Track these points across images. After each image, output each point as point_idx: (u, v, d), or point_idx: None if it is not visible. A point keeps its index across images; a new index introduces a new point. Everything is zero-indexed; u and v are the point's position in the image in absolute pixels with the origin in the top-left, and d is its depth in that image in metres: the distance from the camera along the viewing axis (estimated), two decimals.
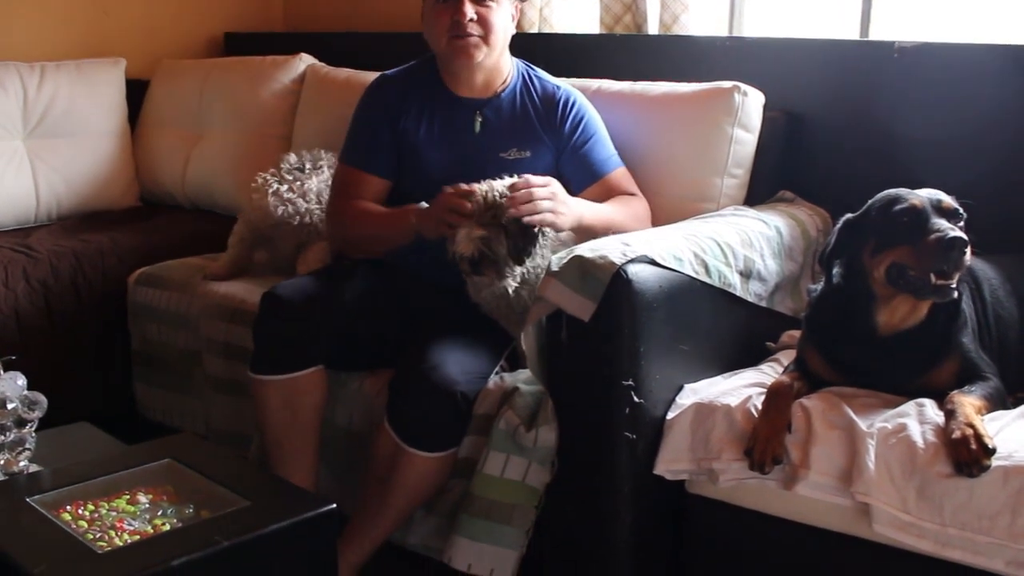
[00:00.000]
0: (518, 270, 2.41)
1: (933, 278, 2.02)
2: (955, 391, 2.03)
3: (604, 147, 2.75)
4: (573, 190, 2.66)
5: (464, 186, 2.41)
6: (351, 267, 2.72)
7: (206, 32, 4.64)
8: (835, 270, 2.20)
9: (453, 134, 2.70)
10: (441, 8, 2.62)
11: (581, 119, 2.73)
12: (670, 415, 2.22)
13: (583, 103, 2.76)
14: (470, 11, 2.59)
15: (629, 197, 2.72)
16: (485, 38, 2.62)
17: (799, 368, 2.25)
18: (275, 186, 3.19)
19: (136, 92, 4.21)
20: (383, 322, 2.61)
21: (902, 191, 2.12)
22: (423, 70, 2.77)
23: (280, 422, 2.50)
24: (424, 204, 2.50)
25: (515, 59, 2.79)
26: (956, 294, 2.05)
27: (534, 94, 2.75)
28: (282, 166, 3.26)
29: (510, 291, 2.43)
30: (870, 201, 2.17)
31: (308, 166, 3.25)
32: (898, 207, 2.08)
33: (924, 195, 2.09)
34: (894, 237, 2.07)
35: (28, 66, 3.90)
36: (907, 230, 2.06)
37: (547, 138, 2.71)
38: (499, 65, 2.72)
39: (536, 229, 2.40)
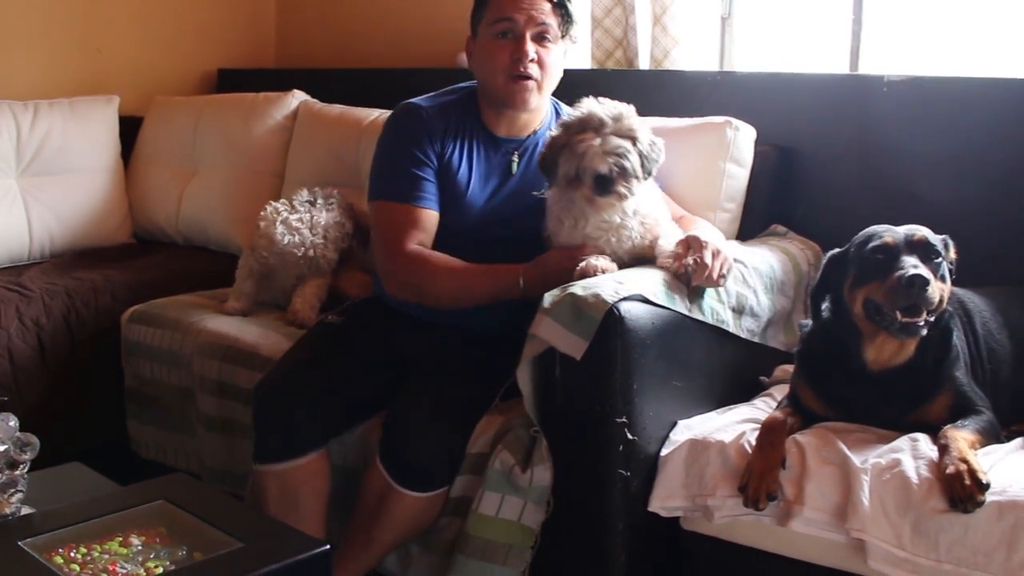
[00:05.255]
0: (638, 188, 2.38)
1: (899, 315, 2.04)
2: (948, 426, 2.03)
3: None
4: None
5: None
6: (341, 326, 2.70)
7: (199, 69, 4.67)
8: (824, 305, 2.21)
9: (491, 173, 2.65)
10: (501, 44, 2.55)
11: None
12: (664, 452, 2.21)
13: None
14: (532, 50, 2.54)
15: (694, 218, 2.70)
16: (540, 83, 2.57)
17: (792, 403, 2.25)
18: (284, 214, 3.19)
19: (129, 129, 4.22)
20: (380, 379, 2.58)
21: (880, 228, 2.14)
22: (458, 103, 2.68)
23: (278, 513, 2.42)
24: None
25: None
26: (924, 332, 2.06)
27: None
28: (294, 198, 3.26)
29: (629, 211, 2.40)
30: (855, 237, 2.19)
31: (320, 201, 3.25)
32: (872, 244, 2.10)
33: (901, 232, 2.11)
34: (867, 274, 2.10)
35: (22, 104, 3.90)
36: (878, 267, 2.08)
37: None
38: (541, 106, 2.68)
39: (661, 148, 2.41)
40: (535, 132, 2.69)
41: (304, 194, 3.28)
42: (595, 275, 2.28)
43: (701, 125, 2.87)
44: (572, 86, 3.39)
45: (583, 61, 3.60)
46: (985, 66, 2.97)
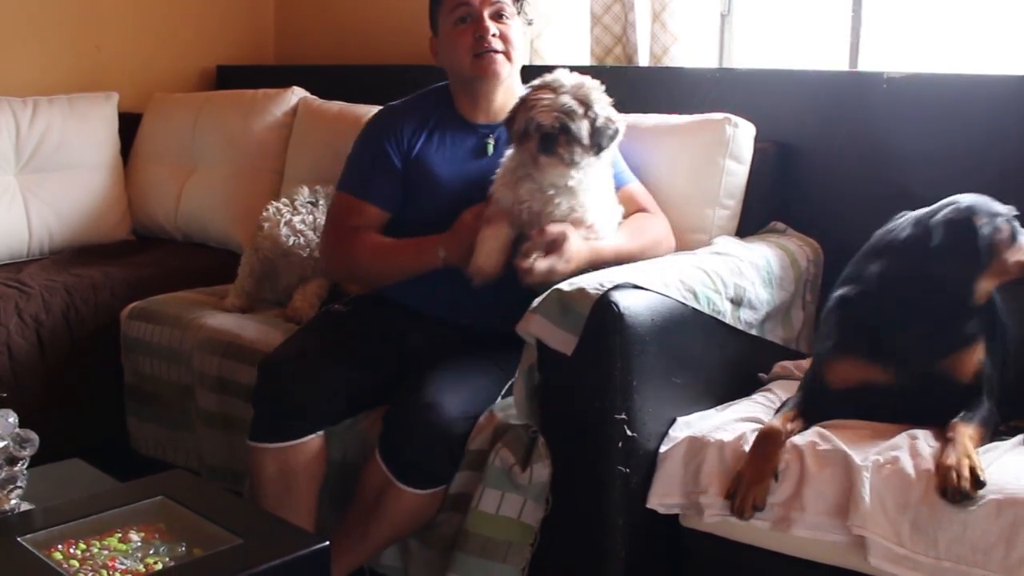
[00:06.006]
0: (586, 161, 2.41)
1: None
2: (957, 419, 2.03)
3: (615, 162, 2.73)
4: None
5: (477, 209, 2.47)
6: (346, 316, 2.71)
7: (198, 65, 4.66)
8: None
9: (466, 159, 2.69)
10: (462, 29, 2.66)
11: None
12: (663, 448, 2.21)
13: None
14: (492, 26, 2.64)
15: (644, 217, 2.69)
16: (508, 54, 2.66)
17: (806, 395, 2.25)
18: (288, 216, 3.20)
19: (128, 126, 4.22)
20: (383, 371, 2.59)
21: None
22: (431, 99, 2.78)
23: (273, 493, 2.46)
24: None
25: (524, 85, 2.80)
26: None
27: None
28: (295, 198, 3.27)
29: (570, 182, 2.42)
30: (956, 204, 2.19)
31: (322, 202, 3.25)
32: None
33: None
34: None
35: (20, 101, 3.90)
36: None
37: None
38: (513, 87, 2.73)
39: (618, 127, 2.44)
40: None
41: (305, 193, 3.28)
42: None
43: (700, 122, 2.87)
44: None
45: (582, 58, 3.59)
46: (985, 63, 2.97)
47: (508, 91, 2.72)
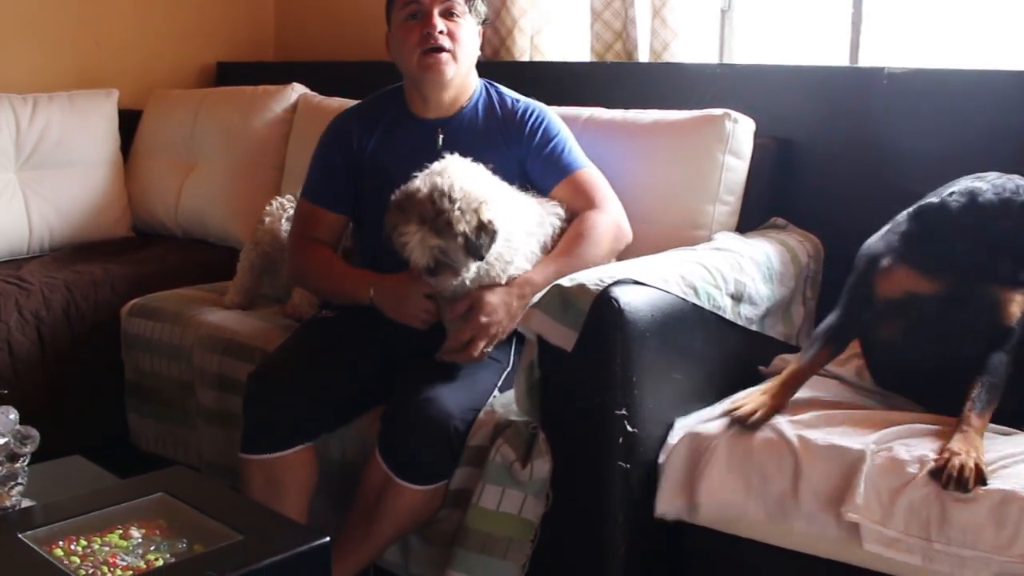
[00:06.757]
0: (474, 265, 2.39)
1: None
2: (967, 408, 2.03)
3: (568, 149, 2.74)
4: (542, 191, 2.68)
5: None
6: (337, 319, 2.72)
7: (198, 62, 4.66)
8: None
9: (417, 153, 2.64)
10: (411, 25, 2.69)
11: (541, 122, 2.75)
12: (662, 457, 2.22)
13: (544, 110, 2.79)
14: (440, 23, 2.66)
15: (581, 220, 2.63)
16: (454, 53, 2.68)
17: (838, 323, 2.29)
18: (290, 211, 3.20)
19: (129, 122, 4.23)
20: (376, 372, 2.59)
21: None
22: (384, 99, 2.85)
23: (261, 503, 2.43)
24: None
25: (481, 79, 2.84)
26: None
27: (496, 107, 2.79)
28: (296, 195, 3.27)
29: (467, 282, 2.43)
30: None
31: None
32: None
33: None
34: None
35: (21, 98, 3.91)
36: None
37: (509, 147, 2.72)
38: (466, 83, 2.77)
39: (493, 226, 2.36)
40: (462, 109, 2.76)
41: None
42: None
43: (700, 117, 2.86)
44: (573, 79, 3.43)
45: (583, 54, 3.59)
46: (986, 58, 2.96)
47: (460, 87, 2.76)
